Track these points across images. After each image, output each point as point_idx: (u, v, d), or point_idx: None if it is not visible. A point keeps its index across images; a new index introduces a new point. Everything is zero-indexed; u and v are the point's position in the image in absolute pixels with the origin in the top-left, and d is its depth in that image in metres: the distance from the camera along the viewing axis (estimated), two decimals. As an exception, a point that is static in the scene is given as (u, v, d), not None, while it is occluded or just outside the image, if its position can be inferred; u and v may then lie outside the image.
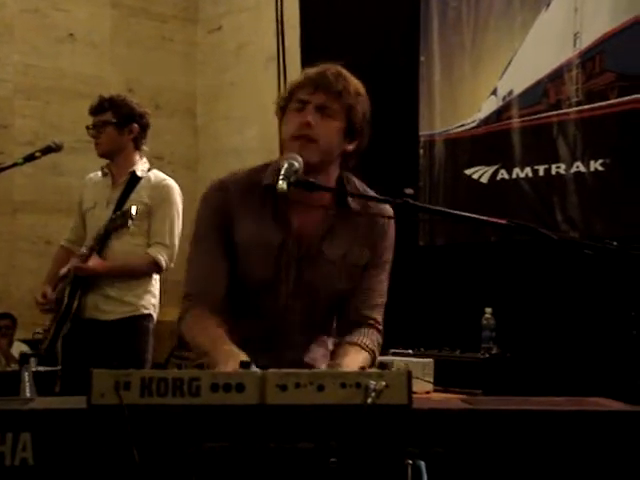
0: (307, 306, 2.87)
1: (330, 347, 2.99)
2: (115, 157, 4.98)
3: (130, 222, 4.61)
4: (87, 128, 5.02)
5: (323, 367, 2.90)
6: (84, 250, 4.78)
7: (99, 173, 5.08)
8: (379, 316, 2.95)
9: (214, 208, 2.86)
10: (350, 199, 2.85)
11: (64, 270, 4.88)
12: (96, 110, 4.99)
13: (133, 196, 4.87)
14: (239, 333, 2.76)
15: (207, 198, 2.90)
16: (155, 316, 4.97)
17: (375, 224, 2.89)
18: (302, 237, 2.83)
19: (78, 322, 4.82)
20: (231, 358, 2.45)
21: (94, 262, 4.73)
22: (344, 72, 2.80)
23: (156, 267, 4.82)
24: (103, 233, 4.73)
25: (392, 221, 2.92)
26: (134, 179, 4.91)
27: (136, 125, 4.98)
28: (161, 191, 4.88)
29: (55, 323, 4.89)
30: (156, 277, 4.95)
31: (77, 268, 4.76)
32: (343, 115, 2.76)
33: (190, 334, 2.80)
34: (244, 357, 2.44)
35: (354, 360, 2.71)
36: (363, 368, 2.25)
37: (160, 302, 5.07)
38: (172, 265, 4.84)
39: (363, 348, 2.83)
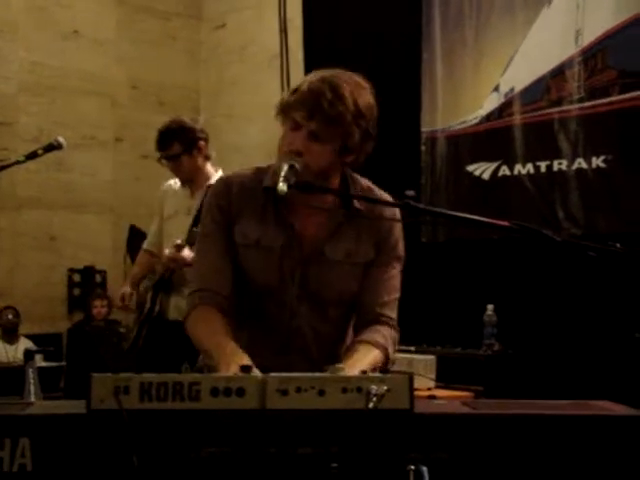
0: (314, 309, 2.83)
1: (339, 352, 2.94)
2: (195, 178, 5.10)
3: None
4: (159, 161, 5.12)
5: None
6: (177, 242, 4.82)
7: (177, 182, 5.21)
8: (392, 312, 2.89)
9: (217, 205, 2.84)
10: (355, 202, 2.82)
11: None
12: (162, 145, 5.08)
13: None
14: (248, 335, 2.76)
15: (212, 195, 2.89)
16: None
17: (380, 223, 2.84)
18: (304, 239, 2.80)
19: (162, 324, 4.89)
20: (233, 361, 2.42)
21: (187, 252, 4.77)
22: (343, 91, 2.66)
23: None
24: (186, 244, 4.79)
25: (394, 215, 2.86)
26: None
27: (202, 142, 5.12)
28: None
29: (138, 325, 4.96)
30: None
31: (171, 258, 4.83)
32: (338, 138, 2.67)
33: (195, 332, 2.77)
34: (247, 360, 2.42)
35: (361, 359, 2.67)
36: (365, 372, 2.22)
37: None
38: None
39: (374, 345, 2.77)
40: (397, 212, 2.87)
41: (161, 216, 5.24)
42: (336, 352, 2.88)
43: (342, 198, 2.83)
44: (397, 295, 2.92)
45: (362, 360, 2.62)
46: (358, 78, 2.79)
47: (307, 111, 2.65)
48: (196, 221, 4.84)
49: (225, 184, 2.87)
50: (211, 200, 2.88)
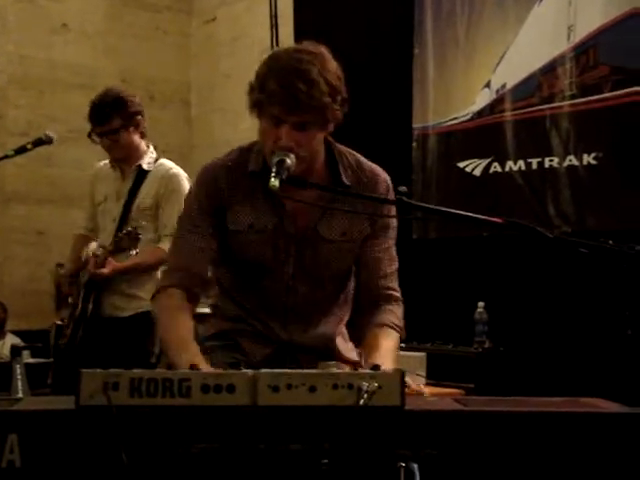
0: (311, 287, 2.86)
1: (340, 343, 2.98)
2: (130, 157, 4.87)
3: (136, 249, 4.56)
4: (90, 137, 4.82)
5: (348, 348, 2.98)
6: (98, 252, 4.73)
7: (108, 164, 4.99)
8: (395, 283, 2.93)
9: (206, 193, 2.84)
10: (344, 177, 2.83)
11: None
12: (99, 119, 4.76)
13: (142, 191, 4.81)
14: (248, 303, 2.86)
15: (199, 182, 2.88)
16: None
17: (373, 193, 2.84)
18: (297, 218, 2.81)
19: (98, 321, 4.79)
20: (186, 360, 2.42)
21: (109, 268, 4.67)
22: (313, 76, 2.63)
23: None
24: (113, 249, 4.67)
25: (390, 186, 2.89)
26: (142, 173, 4.83)
27: (140, 117, 4.85)
28: (168, 183, 4.79)
29: (73, 323, 4.86)
30: None
31: (94, 274, 4.71)
32: (320, 118, 2.67)
33: (161, 323, 2.85)
34: (204, 366, 2.42)
35: (387, 348, 2.72)
36: (378, 367, 2.20)
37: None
38: None
39: (391, 327, 2.82)
40: (389, 180, 2.90)
41: (92, 201, 5.03)
42: (330, 335, 2.95)
43: (332, 176, 2.83)
44: (397, 264, 2.96)
45: (386, 355, 2.67)
46: (317, 49, 2.78)
47: (285, 107, 2.63)
48: (124, 215, 4.77)
49: (212, 173, 2.86)
50: (199, 189, 2.87)
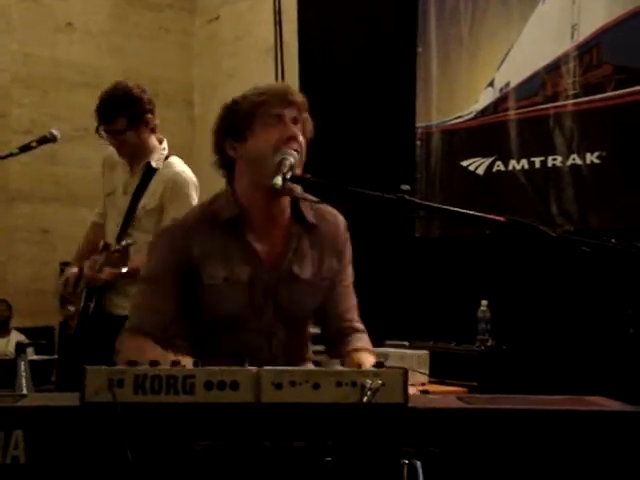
0: (289, 328, 2.89)
1: (310, 357, 3.04)
2: (138, 153, 4.75)
3: (125, 267, 4.52)
4: (97, 132, 4.69)
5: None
6: (96, 257, 4.70)
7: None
8: (358, 315, 3.02)
9: (174, 250, 2.83)
10: (308, 215, 2.89)
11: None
12: (106, 118, 4.63)
13: (148, 191, 4.73)
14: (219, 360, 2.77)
15: (167, 239, 2.88)
16: None
17: (337, 231, 2.95)
18: (270, 262, 2.83)
19: (102, 318, 4.74)
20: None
21: (107, 274, 4.62)
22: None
23: None
24: (104, 262, 4.60)
25: (345, 224, 2.98)
26: (150, 170, 4.72)
27: (150, 115, 4.72)
28: (174, 187, 4.65)
29: (78, 317, 4.84)
30: None
31: (91, 279, 4.70)
32: (305, 121, 2.80)
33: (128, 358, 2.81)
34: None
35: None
36: (381, 365, 2.20)
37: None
38: None
39: (369, 353, 2.90)
40: (341, 219, 2.97)
41: (103, 189, 4.94)
42: (303, 356, 2.99)
43: (296, 212, 2.89)
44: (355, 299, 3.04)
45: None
46: None
47: (285, 100, 2.76)
48: (129, 212, 4.71)
49: (182, 231, 2.85)
50: (164, 246, 2.87)
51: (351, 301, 3.00)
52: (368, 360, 2.76)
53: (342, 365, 2.54)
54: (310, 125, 2.83)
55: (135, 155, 4.74)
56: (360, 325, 3.00)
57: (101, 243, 4.87)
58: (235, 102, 2.82)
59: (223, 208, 2.83)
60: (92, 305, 4.74)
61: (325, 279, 2.91)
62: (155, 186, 4.71)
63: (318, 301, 2.93)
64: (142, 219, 4.70)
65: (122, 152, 4.76)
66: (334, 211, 2.97)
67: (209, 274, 2.80)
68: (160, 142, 4.83)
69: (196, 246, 2.80)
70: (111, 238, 4.77)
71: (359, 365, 2.26)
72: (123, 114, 4.61)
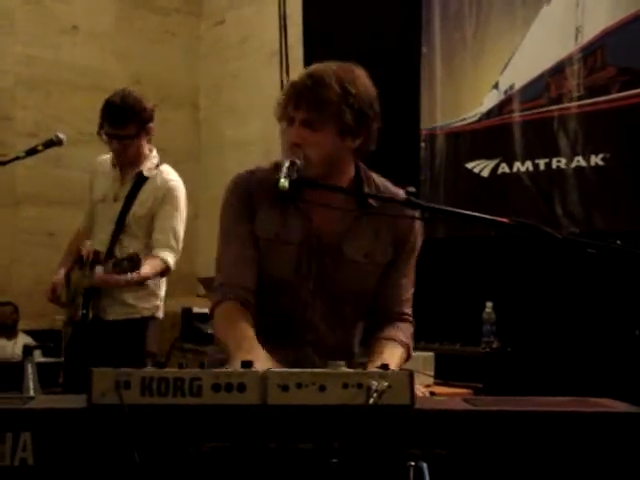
0: (329, 305, 2.84)
1: (356, 349, 2.96)
2: (135, 161, 4.84)
3: (138, 272, 4.49)
4: (99, 135, 4.75)
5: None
6: (105, 267, 4.67)
7: (108, 160, 4.93)
8: (409, 309, 2.95)
9: (240, 199, 2.85)
10: (369, 198, 2.83)
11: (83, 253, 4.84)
12: (119, 122, 4.69)
13: (139, 198, 4.78)
14: (261, 326, 2.75)
15: (233, 189, 2.89)
16: (159, 316, 4.91)
17: (398, 221, 2.85)
18: (323, 233, 2.81)
19: (99, 325, 4.73)
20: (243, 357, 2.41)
21: (121, 280, 4.54)
22: (322, 75, 2.70)
23: (166, 270, 4.75)
24: (112, 270, 4.50)
25: (415, 213, 2.85)
26: (141, 179, 4.80)
27: (151, 125, 4.81)
28: (165, 194, 4.76)
29: (72, 327, 4.83)
30: (163, 279, 4.90)
31: (97, 282, 4.63)
32: (331, 122, 2.70)
33: (220, 333, 2.79)
34: (258, 356, 2.44)
35: (392, 355, 2.72)
36: (387, 366, 2.21)
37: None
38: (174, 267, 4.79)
39: (399, 343, 2.82)
40: (410, 211, 2.82)
41: (91, 197, 4.99)
42: (349, 346, 2.92)
43: (359, 195, 2.84)
44: (412, 290, 2.97)
45: (390, 360, 2.61)
46: (348, 65, 2.81)
47: (294, 102, 2.70)
48: (120, 220, 4.74)
49: (245, 180, 2.88)
50: (232, 196, 2.88)
51: (405, 294, 2.92)
52: (391, 352, 2.74)
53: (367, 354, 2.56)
54: (346, 119, 2.71)
55: (131, 162, 4.81)
56: (407, 317, 2.92)
57: (85, 251, 4.88)
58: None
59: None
60: (91, 313, 4.74)
61: (376, 264, 2.85)
62: (146, 194, 4.77)
63: (367, 286, 2.86)
64: (132, 225, 4.75)
65: (122, 158, 4.82)
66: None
67: (261, 227, 2.81)
68: (150, 151, 4.90)
69: (256, 196, 2.82)
70: (100, 245, 4.79)
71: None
72: (135, 120, 4.68)
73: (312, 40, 8.12)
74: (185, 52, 9.73)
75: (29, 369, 4.52)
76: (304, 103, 2.68)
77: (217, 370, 2.18)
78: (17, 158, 4.56)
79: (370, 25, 7.60)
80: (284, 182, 2.46)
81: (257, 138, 8.55)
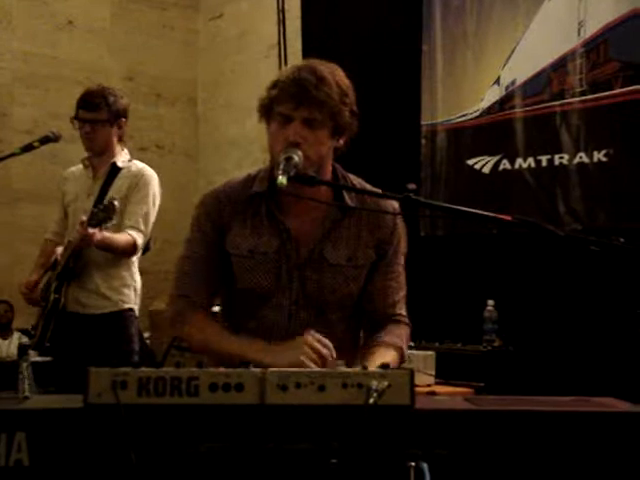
0: (313, 313, 2.80)
1: (344, 348, 2.92)
2: (103, 152, 4.90)
3: (114, 217, 4.49)
4: (74, 121, 4.84)
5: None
6: (81, 220, 4.66)
7: (80, 165, 5.00)
8: (402, 309, 2.91)
9: (207, 215, 2.82)
10: (347, 195, 2.79)
11: (54, 257, 4.84)
12: (91, 106, 4.81)
13: (113, 187, 4.82)
14: (249, 333, 2.74)
15: (201, 205, 2.87)
16: (136, 309, 4.91)
17: (379, 221, 2.82)
18: (300, 241, 2.77)
19: (62, 315, 4.77)
20: (269, 351, 2.53)
21: (93, 230, 4.48)
22: (323, 74, 2.67)
23: (132, 248, 4.74)
24: (89, 223, 4.57)
25: (396, 209, 2.82)
26: (115, 170, 4.86)
27: (124, 119, 4.91)
28: (139, 179, 4.83)
29: (43, 319, 4.84)
30: (134, 269, 4.90)
31: (81, 234, 4.55)
32: (329, 121, 2.66)
33: (200, 339, 2.79)
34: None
35: (383, 359, 2.62)
36: (387, 366, 2.17)
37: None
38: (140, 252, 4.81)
39: (391, 346, 2.79)
40: (396, 206, 2.82)
41: (62, 203, 5.05)
42: (338, 352, 2.86)
43: (336, 193, 2.81)
44: (405, 290, 2.93)
45: (381, 360, 2.54)
46: (330, 63, 2.78)
47: (295, 101, 2.64)
48: (97, 203, 4.71)
49: (214, 197, 2.85)
50: (200, 212, 2.86)
51: (395, 295, 2.88)
52: (382, 357, 2.68)
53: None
54: (343, 120, 2.70)
55: (102, 153, 4.88)
56: (401, 318, 2.90)
57: (58, 256, 4.88)
58: (272, 83, 2.75)
59: (257, 182, 2.80)
60: (63, 300, 4.75)
61: (359, 267, 2.81)
62: (120, 183, 4.87)
63: (350, 290, 2.81)
64: None
65: (90, 145, 4.87)
66: (386, 201, 2.85)
67: (233, 244, 2.78)
68: (122, 149, 4.98)
69: (227, 213, 2.79)
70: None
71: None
72: (107, 106, 4.80)
73: (310, 34, 8.11)
74: (183, 46, 9.73)
75: (24, 368, 4.49)
76: (308, 101, 2.63)
77: (215, 370, 2.15)
78: (13, 154, 4.55)
79: (370, 19, 7.59)
80: (282, 179, 2.42)
81: (255, 133, 8.51)
